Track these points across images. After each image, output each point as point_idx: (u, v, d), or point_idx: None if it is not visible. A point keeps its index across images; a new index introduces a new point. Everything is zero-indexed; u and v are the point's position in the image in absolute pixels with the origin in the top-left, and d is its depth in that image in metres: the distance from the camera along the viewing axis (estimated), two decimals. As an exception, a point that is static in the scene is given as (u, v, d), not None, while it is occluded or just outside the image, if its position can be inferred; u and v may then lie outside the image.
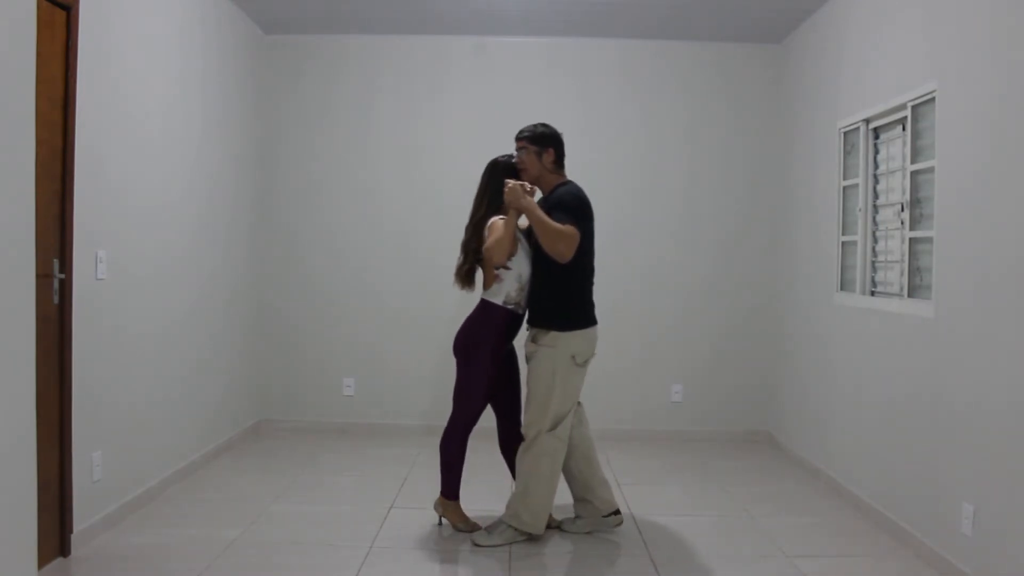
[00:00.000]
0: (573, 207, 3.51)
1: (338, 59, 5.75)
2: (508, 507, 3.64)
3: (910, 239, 3.80)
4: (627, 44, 5.71)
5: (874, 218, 4.28)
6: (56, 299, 3.21)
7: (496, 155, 5.66)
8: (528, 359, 3.66)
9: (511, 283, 3.59)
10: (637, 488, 4.49)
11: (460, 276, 3.68)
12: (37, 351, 2.41)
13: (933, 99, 3.56)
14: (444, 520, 3.79)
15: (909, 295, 3.80)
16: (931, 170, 3.59)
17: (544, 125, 3.80)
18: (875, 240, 4.27)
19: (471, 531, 3.68)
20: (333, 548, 3.52)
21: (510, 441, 3.82)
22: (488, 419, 3.84)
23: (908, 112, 3.80)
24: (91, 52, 3.39)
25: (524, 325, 3.73)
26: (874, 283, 4.27)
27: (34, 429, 2.37)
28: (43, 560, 2.95)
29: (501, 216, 3.59)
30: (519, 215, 3.52)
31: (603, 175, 5.74)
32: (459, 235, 5.67)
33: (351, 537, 3.63)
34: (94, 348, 3.46)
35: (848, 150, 4.53)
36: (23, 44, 2.32)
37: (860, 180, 4.34)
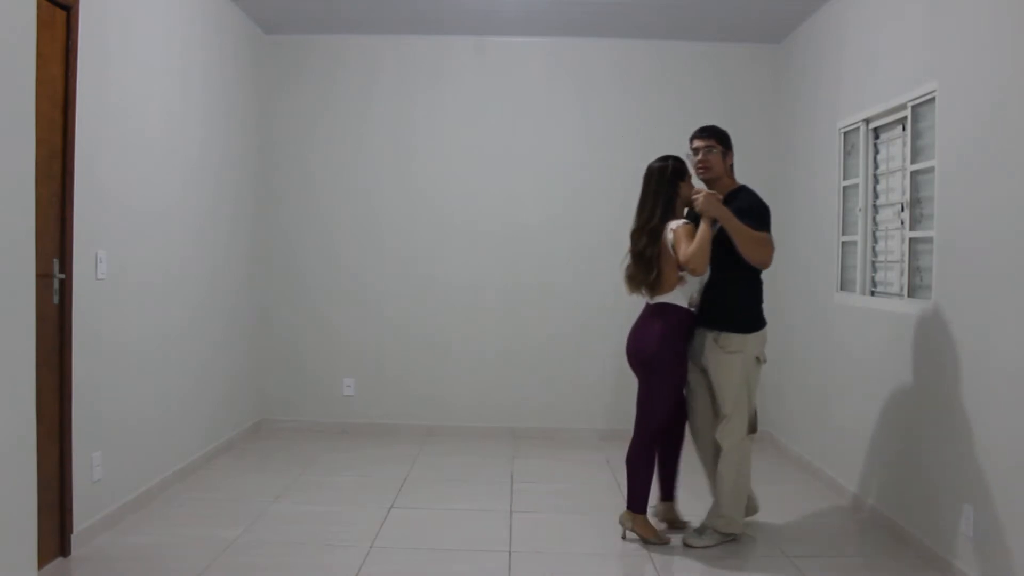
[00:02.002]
0: (762, 213, 3.55)
1: (338, 59, 5.75)
2: (717, 516, 3.60)
3: (910, 239, 3.80)
4: (627, 44, 5.71)
5: (874, 218, 4.28)
6: (56, 299, 3.20)
7: (496, 155, 5.73)
8: (708, 362, 3.60)
9: (694, 285, 3.55)
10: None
11: (648, 285, 3.55)
12: (37, 351, 2.41)
13: (933, 99, 3.56)
14: (630, 534, 3.65)
15: (909, 295, 3.80)
16: (931, 170, 3.59)
17: (718, 126, 3.73)
18: (875, 240, 4.27)
19: (662, 544, 3.60)
20: (333, 548, 3.52)
21: (680, 437, 3.79)
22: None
23: (908, 112, 3.80)
24: (91, 52, 3.39)
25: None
26: (874, 283, 4.27)
27: (34, 429, 2.38)
28: (43, 560, 2.95)
29: (680, 220, 3.53)
30: (712, 222, 3.45)
31: (603, 175, 5.75)
32: (458, 235, 5.75)
33: (351, 537, 3.63)
34: (94, 348, 3.46)
35: (848, 150, 4.53)
36: (23, 44, 2.32)
37: (860, 180, 4.34)
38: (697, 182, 3.74)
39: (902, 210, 3.91)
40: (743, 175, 5.69)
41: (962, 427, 3.23)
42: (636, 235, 3.62)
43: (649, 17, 5.25)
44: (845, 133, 4.53)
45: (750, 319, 3.61)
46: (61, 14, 3.21)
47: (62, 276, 3.23)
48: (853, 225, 4.44)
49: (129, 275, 3.80)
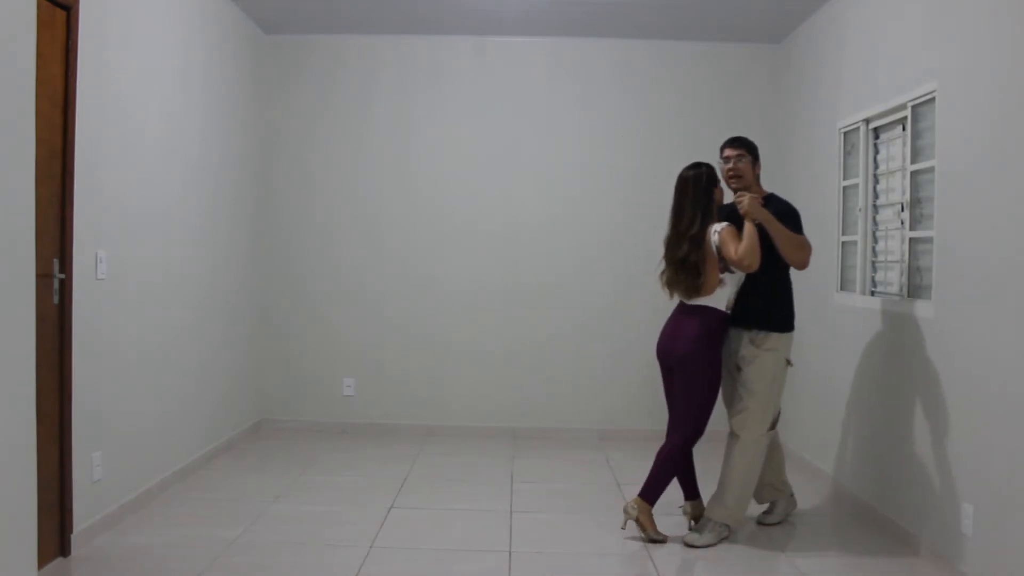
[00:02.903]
0: (796, 217, 3.71)
1: (338, 59, 5.75)
2: (721, 505, 3.63)
3: (910, 239, 3.80)
4: (627, 44, 5.71)
5: (874, 218, 4.28)
6: (56, 299, 3.20)
7: (496, 155, 5.73)
8: (743, 359, 3.66)
9: (731, 288, 3.62)
10: (637, 488, 4.46)
11: (694, 288, 3.59)
12: (37, 351, 2.41)
13: (933, 99, 3.56)
14: (630, 523, 3.66)
15: (909, 295, 3.80)
16: (931, 170, 3.59)
17: (747, 137, 3.85)
18: (875, 240, 4.27)
19: (659, 541, 3.60)
20: (333, 548, 3.52)
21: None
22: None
23: (908, 112, 3.80)
24: (91, 52, 3.39)
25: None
26: (874, 283, 4.27)
27: (34, 429, 2.38)
28: (43, 560, 2.95)
29: (723, 223, 3.58)
30: (755, 225, 3.53)
31: (603, 175, 5.75)
32: (458, 235, 5.75)
33: (351, 537, 3.63)
34: (94, 348, 3.46)
35: (848, 150, 4.53)
36: (23, 44, 2.32)
37: (860, 180, 4.33)
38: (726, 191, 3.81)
39: (902, 210, 3.91)
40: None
41: (962, 427, 3.23)
42: (674, 242, 3.66)
43: (649, 17, 5.25)
44: (845, 133, 4.53)
45: (786, 318, 3.74)
46: (61, 14, 3.21)
47: (62, 276, 3.23)
48: (853, 225, 4.44)
49: (129, 275, 3.80)
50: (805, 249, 3.68)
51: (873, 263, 4.28)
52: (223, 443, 5.02)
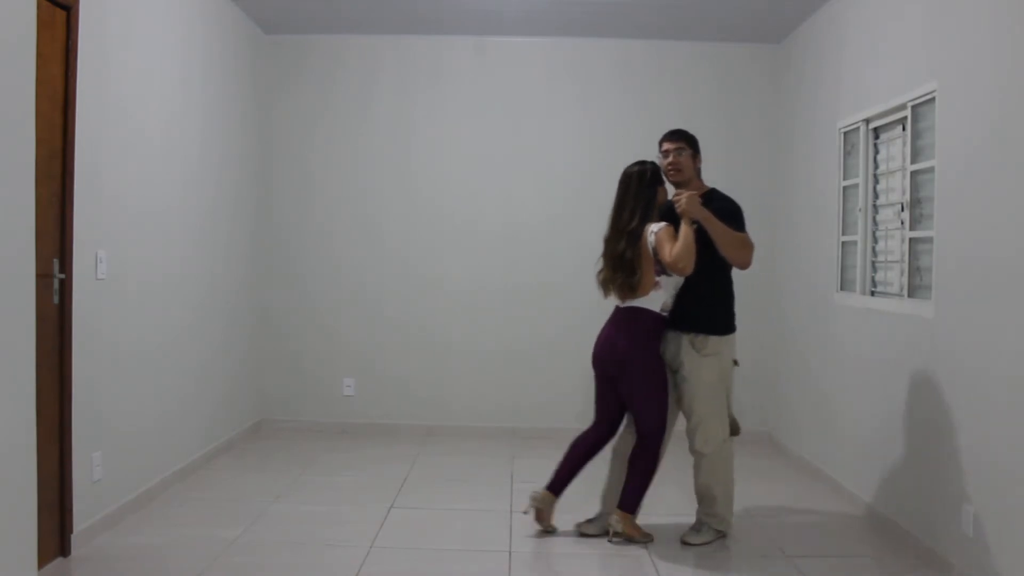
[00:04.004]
0: (739, 215, 3.57)
1: (338, 59, 5.75)
2: (712, 515, 3.63)
3: (910, 239, 3.80)
4: (626, 44, 5.71)
5: (874, 218, 4.28)
6: (56, 299, 3.20)
7: (496, 155, 5.73)
8: (683, 365, 3.58)
9: (669, 290, 3.54)
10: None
11: (629, 287, 3.53)
12: (37, 351, 2.41)
13: (933, 99, 3.56)
14: (617, 536, 3.60)
15: (909, 295, 3.80)
16: (931, 170, 3.59)
17: (687, 130, 3.76)
18: (875, 240, 4.27)
19: (648, 543, 3.60)
20: (333, 548, 3.52)
21: (600, 447, 3.80)
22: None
23: (908, 112, 3.80)
24: (91, 52, 3.39)
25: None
26: (874, 283, 4.27)
27: (34, 429, 2.38)
28: (43, 560, 2.94)
29: (661, 223, 3.52)
30: (693, 223, 3.44)
31: (602, 176, 5.73)
32: (458, 235, 5.75)
33: (351, 537, 3.63)
34: (94, 348, 3.46)
35: (848, 150, 4.53)
36: (23, 44, 2.32)
37: (860, 180, 4.34)
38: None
39: (902, 210, 3.91)
40: (744, 175, 5.73)
41: (962, 426, 3.23)
42: (613, 238, 3.61)
43: (649, 17, 5.26)
44: (845, 133, 4.53)
45: (726, 321, 3.65)
46: (61, 14, 3.21)
47: (62, 276, 3.23)
48: (853, 225, 4.44)
49: (129, 275, 3.80)
50: (747, 248, 3.52)
51: (873, 263, 4.28)
52: (223, 443, 5.02)
